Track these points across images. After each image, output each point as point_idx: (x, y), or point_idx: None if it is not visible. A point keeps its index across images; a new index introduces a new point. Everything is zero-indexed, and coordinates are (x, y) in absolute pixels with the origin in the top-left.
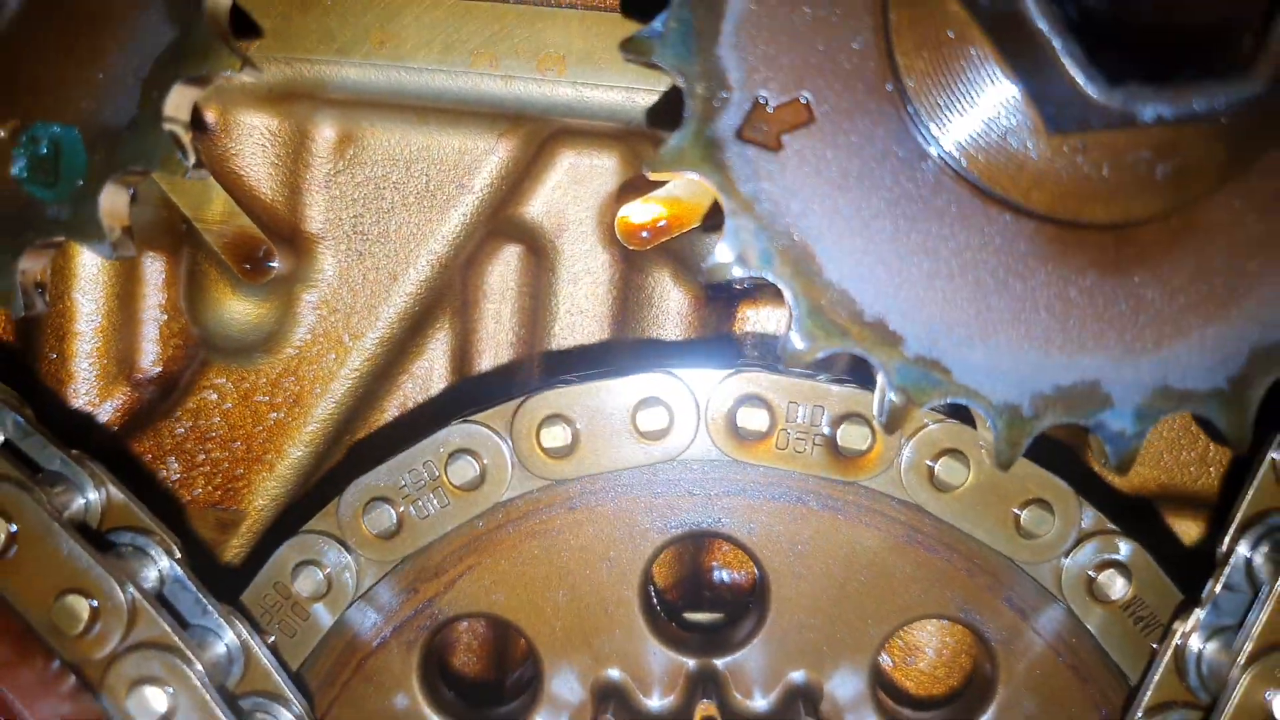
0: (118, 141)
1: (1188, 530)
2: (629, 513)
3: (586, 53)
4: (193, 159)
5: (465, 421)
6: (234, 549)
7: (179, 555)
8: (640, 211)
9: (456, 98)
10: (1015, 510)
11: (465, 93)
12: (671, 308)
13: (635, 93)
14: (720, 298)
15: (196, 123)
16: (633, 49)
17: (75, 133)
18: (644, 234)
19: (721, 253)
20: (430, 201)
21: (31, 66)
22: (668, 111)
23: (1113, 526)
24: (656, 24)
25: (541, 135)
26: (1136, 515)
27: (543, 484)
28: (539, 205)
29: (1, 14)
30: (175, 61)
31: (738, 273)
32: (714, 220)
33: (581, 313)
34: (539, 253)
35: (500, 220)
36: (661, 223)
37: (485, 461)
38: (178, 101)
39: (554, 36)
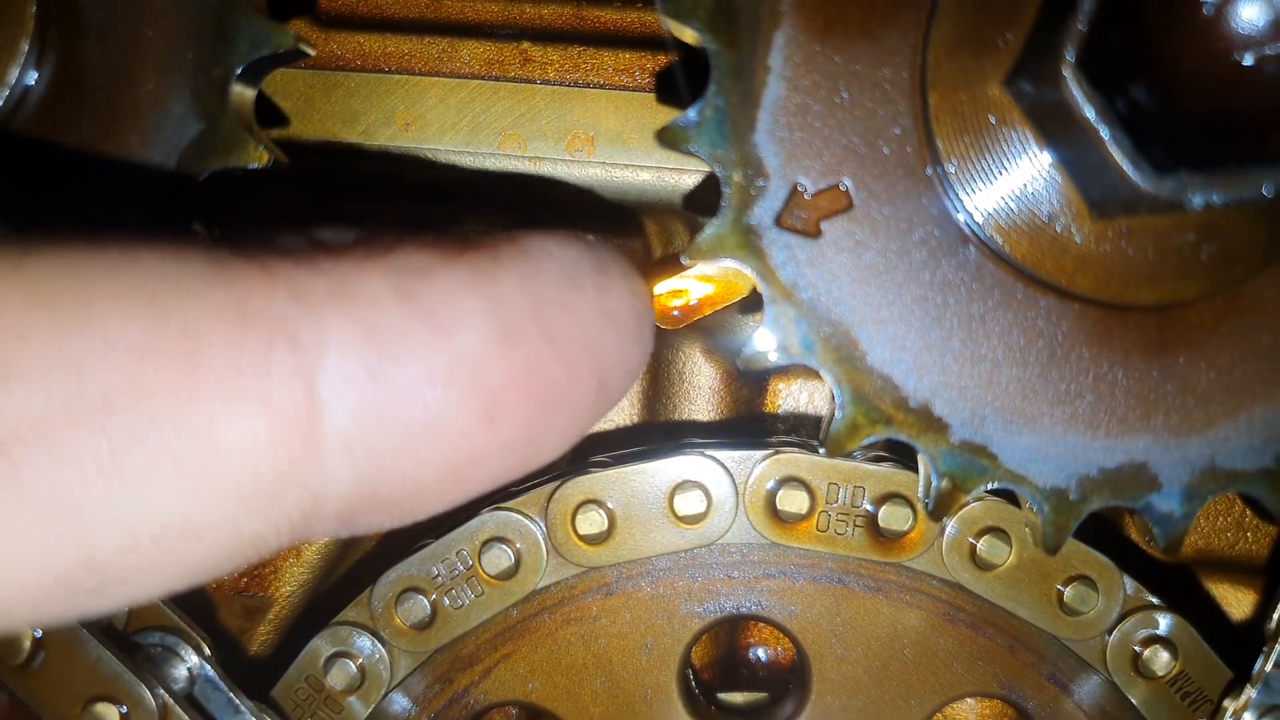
0: None
1: (1224, 595)
2: (667, 598)
3: (616, 133)
4: None
5: (498, 509)
6: (261, 637)
7: (209, 653)
8: (672, 291)
9: (484, 180)
10: (1059, 587)
11: (493, 175)
12: (702, 384)
13: (665, 172)
14: (752, 374)
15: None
16: (668, 138)
17: None
18: (675, 313)
19: (761, 341)
20: None
21: (53, 160)
22: (701, 194)
23: (1156, 601)
24: (691, 113)
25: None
26: (1174, 580)
27: (578, 571)
28: None
29: (23, 107)
30: (201, 155)
31: (778, 361)
32: (748, 299)
33: None
34: None
35: None
36: (694, 302)
37: (519, 549)
38: (203, 195)
39: (583, 117)
